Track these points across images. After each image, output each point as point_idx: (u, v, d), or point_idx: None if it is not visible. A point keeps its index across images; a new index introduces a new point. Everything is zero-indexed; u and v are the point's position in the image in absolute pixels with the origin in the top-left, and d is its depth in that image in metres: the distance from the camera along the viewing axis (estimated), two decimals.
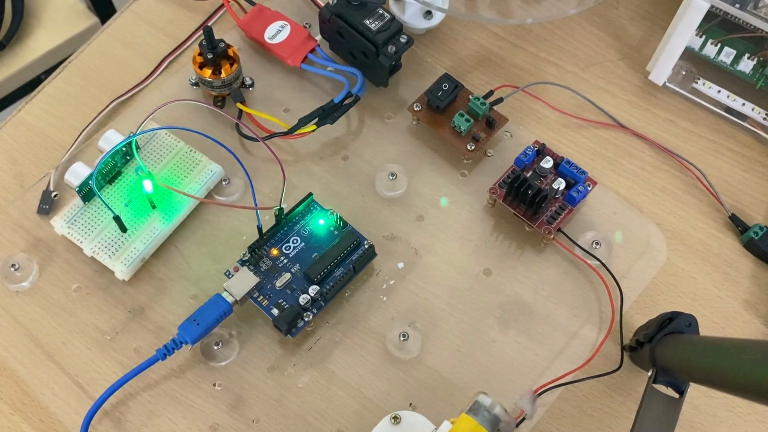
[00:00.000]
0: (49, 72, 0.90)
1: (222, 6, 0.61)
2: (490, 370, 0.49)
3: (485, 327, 0.51)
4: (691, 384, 0.43)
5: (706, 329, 0.51)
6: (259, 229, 0.49)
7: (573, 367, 0.49)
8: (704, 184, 0.56)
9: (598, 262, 0.52)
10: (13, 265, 0.51)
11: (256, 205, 0.48)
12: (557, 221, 0.52)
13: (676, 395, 0.43)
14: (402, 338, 0.49)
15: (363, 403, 0.48)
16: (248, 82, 0.58)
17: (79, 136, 0.56)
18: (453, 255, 0.53)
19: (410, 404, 0.48)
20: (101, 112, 0.57)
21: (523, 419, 0.45)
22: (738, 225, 0.54)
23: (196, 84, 0.58)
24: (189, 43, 0.60)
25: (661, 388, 0.43)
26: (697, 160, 0.56)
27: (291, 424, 0.47)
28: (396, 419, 0.46)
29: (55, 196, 0.54)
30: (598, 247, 0.53)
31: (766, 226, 0.53)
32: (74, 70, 0.60)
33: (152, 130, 0.50)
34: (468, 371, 0.49)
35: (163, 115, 0.56)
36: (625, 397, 0.49)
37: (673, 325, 0.44)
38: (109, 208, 0.49)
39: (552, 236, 0.52)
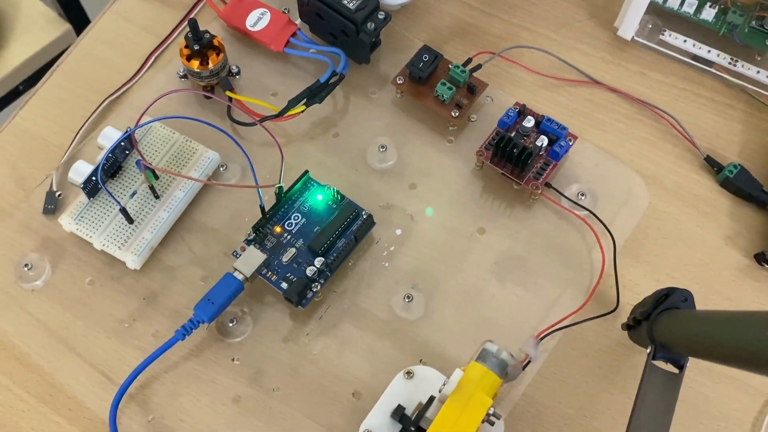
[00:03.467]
0: (27, 82, 0.91)
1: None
2: (492, 322, 0.52)
3: (483, 283, 0.53)
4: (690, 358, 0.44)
5: (691, 267, 0.54)
6: (262, 208, 0.51)
7: (570, 312, 0.52)
8: (678, 130, 0.59)
9: (586, 212, 0.55)
10: (26, 265, 0.53)
11: (257, 183, 0.50)
12: (543, 176, 0.54)
13: (676, 370, 0.43)
14: (407, 300, 0.52)
15: (375, 364, 0.51)
16: (234, 70, 0.60)
17: (75, 136, 0.57)
18: (447, 218, 0.55)
19: (420, 360, 0.51)
20: (95, 111, 0.58)
21: (528, 362, 0.47)
22: (713, 165, 0.57)
23: (184, 76, 0.59)
24: (172, 37, 0.62)
25: (660, 364, 0.43)
26: (670, 107, 0.59)
27: (309, 390, 0.50)
28: (409, 374, 0.48)
29: (59, 195, 0.55)
30: (583, 198, 0.55)
31: (739, 165, 0.56)
32: (63, 74, 0.61)
33: (151, 121, 0.52)
34: (471, 325, 0.52)
35: (156, 109, 0.58)
36: (622, 337, 0.52)
37: (669, 301, 0.44)
38: (116, 201, 0.51)
39: (540, 191, 0.54)
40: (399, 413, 0.46)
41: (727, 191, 0.57)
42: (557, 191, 0.55)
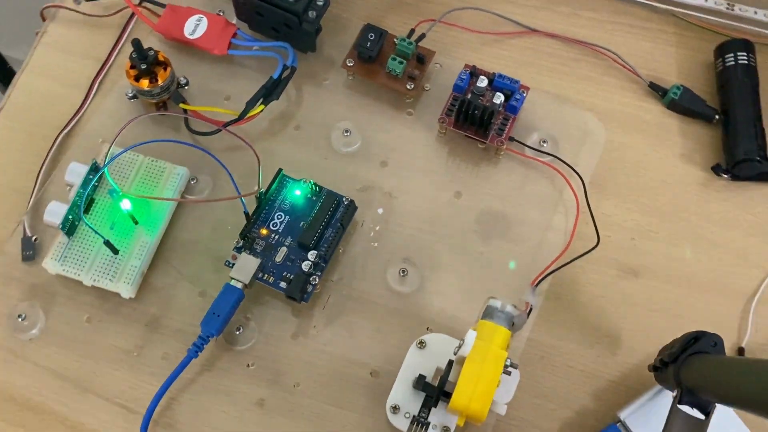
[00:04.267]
0: None
1: (132, 17, 0.62)
2: (486, 278, 0.54)
3: (469, 243, 0.55)
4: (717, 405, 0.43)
5: (655, 190, 0.57)
6: (246, 215, 0.52)
7: (556, 255, 0.54)
8: (619, 63, 0.61)
9: (550, 157, 0.57)
10: (19, 316, 0.52)
11: (239, 193, 0.51)
12: (506, 131, 0.56)
13: (702, 416, 0.42)
14: (402, 274, 0.54)
15: (386, 341, 0.52)
16: (183, 81, 0.59)
17: (37, 178, 0.56)
18: (422, 188, 0.57)
19: (427, 328, 0.53)
20: (51, 148, 0.57)
21: (531, 310, 0.50)
22: (657, 90, 0.60)
23: (134, 97, 0.59)
24: (111, 59, 0.61)
25: (686, 408, 0.43)
26: (607, 42, 0.62)
27: (328, 379, 0.51)
28: (421, 344, 0.50)
29: (35, 240, 0.55)
30: (545, 144, 0.58)
31: (681, 85, 0.59)
32: (8, 115, 0.60)
33: (122, 152, 0.51)
34: (467, 285, 0.54)
35: (112, 136, 0.57)
36: (606, 268, 0.54)
37: (698, 345, 0.44)
38: (99, 234, 0.50)
39: (505, 146, 0.56)
40: (421, 382, 0.48)
41: (675, 112, 0.60)
42: (520, 143, 0.57)
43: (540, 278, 0.52)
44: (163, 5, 0.61)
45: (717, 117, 0.58)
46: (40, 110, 0.60)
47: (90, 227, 0.51)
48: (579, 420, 0.51)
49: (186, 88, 0.59)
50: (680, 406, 0.43)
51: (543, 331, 0.53)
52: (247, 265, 0.51)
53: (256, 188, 0.52)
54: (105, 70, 0.61)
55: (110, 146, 0.50)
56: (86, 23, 0.63)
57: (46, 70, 0.61)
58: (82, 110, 0.59)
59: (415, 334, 0.52)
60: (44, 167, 0.57)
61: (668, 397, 0.49)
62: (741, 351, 0.52)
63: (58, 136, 0.58)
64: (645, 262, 0.55)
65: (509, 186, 0.57)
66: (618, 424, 0.50)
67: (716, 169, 0.57)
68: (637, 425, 0.49)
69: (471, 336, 0.45)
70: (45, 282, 0.54)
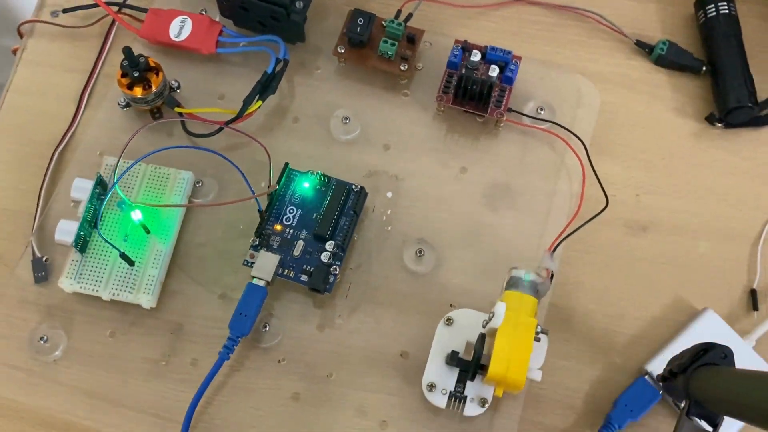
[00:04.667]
0: None
1: (112, 25, 0.61)
2: (502, 249, 0.55)
3: (479, 216, 0.56)
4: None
5: (654, 146, 0.58)
6: (260, 212, 0.52)
7: (566, 220, 0.55)
8: (604, 24, 0.62)
9: (549, 123, 0.58)
10: (41, 339, 0.52)
11: (253, 192, 0.51)
12: (504, 103, 0.57)
13: (710, 428, 0.43)
14: (418, 254, 0.54)
15: (411, 322, 0.53)
16: (174, 85, 0.59)
17: (39, 198, 0.55)
18: (427, 168, 0.57)
19: (450, 305, 0.53)
20: (48, 166, 0.56)
21: (552, 275, 0.51)
22: (644, 48, 0.61)
23: (126, 105, 0.58)
24: (98, 69, 0.60)
25: (694, 420, 0.43)
26: (590, 5, 0.62)
27: (360, 365, 0.52)
28: (449, 320, 0.51)
29: (45, 260, 0.54)
30: (542, 112, 0.58)
31: (667, 40, 0.60)
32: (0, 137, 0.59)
33: (133, 165, 0.50)
34: (483, 259, 0.55)
35: (109, 147, 0.57)
36: (615, 227, 0.55)
37: (707, 357, 0.43)
38: (115, 247, 0.50)
39: (505, 117, 0.57)
40: (455, 358, 0.49)
41: (663, 67, 0.61)
42: (518, 113, 0.58)
43: (556, 244, 0.53)
44: (143, 10, 0.60)
45: (704, 68, 0.60)
46: (32, 129, 0.59)
47: (106, 241, 0.50)
48: (606, 377, 0.52)
49: (178, 91, 0.59)
50: (688, 418, 0.43)
51: (561, 295, 0.54)
52: (267, 263, 0.51)
53: (269, 185, 0.52)
54: (92, 82, 0.60)
55: (119, 160, 0.49)
56: (66, 35, 0.61)
57: (31, 88, 0.60)
58: (75, 124, 0.58)
59: (439, 311, 0.52)
60: (44, 186, 0.56)
61: (696, 341, 0.50)
62: (753, 293, 0.54)
63: (54, 154, 0.57)
64: (651, 217, 0.56)
65: (511, 156, 0.58)
66: (646, 377, 0.51)
67: (710, 119, 0.58)
68: None
69: (501, 307, 0.46)
70: (61, 301, 0.53)
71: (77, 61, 0.61)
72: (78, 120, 0.59)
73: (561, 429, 0.51)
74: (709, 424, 0.43)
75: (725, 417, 0.42)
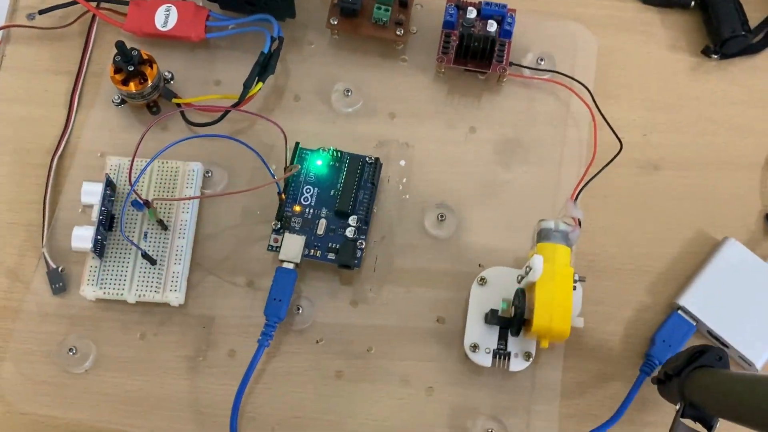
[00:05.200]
0: None
1: (93, 22, 0.59)
2: (520, 204, 0.55)
3: (494, 174, 0.56)
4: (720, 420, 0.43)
5: (655, 84, 0.58)
6: (280, 195, 0.51)
7: (579, 168, 0.55)
8: None
9: (550, 73, 0.58)
10: (69, 350, 0.50)
11: (273, 176, 0.50)
12: (505, 57, 0.56)
13: (705, 431, 0.43)
14: (440, 219, 0.54)
15: (442, 287, 0.53)
16: (168, 76, 0.57)
17: (44, 208, 0.54)
18: (436, 131, 0.57)
19: (479, 265, 0.53)
20: (49, 175, 0.55)
21: (580, 223, 0.51)
22: None
23: (121, 102, 0.56)
24: (84, 69, 0.58)
25: (688, 422, 0.43)
26: None
27: (399, 336, 0.52)
28: (482, 280, 0.51)
29: (62, 270, 0.52)
30: (543, 62, 0.58)
31: None
32: None
33: (149, 163, 0.48)
34: (504, 215, 0.55)
35: (110, 147, 0.55)
36: (627, 168, 0.56)
37: (703, 359, 0.43)
38: (138, 247, 0.49)
39: (508, 72, 0.56)
40: (495, 316, 0.49)
41: (653, 6, 0.61)
42: (519, 66, 0.58)
43: (577, 192, 0.53)
44: (123, 3, 0.58)
45: (693, 2, 0.60)
46: (25, 137, 0.57)
47: (131, 242, 0.49)
48: (639, 317, 0.53)
49: (172, 82, 0.57)
50: (683, 420, 0.43)
51: (584, 241, 0.54)
52: (293, 245, 0.50)
53: (288, 166, 0.51)
54: (81, 82, 0.58)
55: (133, 159, 0.47)
56: (46, 38, 0.59)
57: (16, 95, 0.58)
58: (69, 128, 0.56)
59: (468, 273, 0.52)
60: (48, 195, 0.54)
61: (719, 272, 0.52)
62: None
63: (52, 160, 0.55)
64: (661, 155, 0.57)
65: (517, 111, 0.57)
66: (678, 311, 0.52)
67: (706, 52, 0.59)
68: (697, 307, 0.51)
69: (538, 260, 0.46)
70: (84, 310, 0.52)
71: (61, 62, 0.59)
72: (71, 123, 0.57)
73: (603, 372, 0.52)
74: (704, 426, 0.43)
75: (720, 419, 0.42)
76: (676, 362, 0.45)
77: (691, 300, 0.51)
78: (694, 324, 0.51)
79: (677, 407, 0.43)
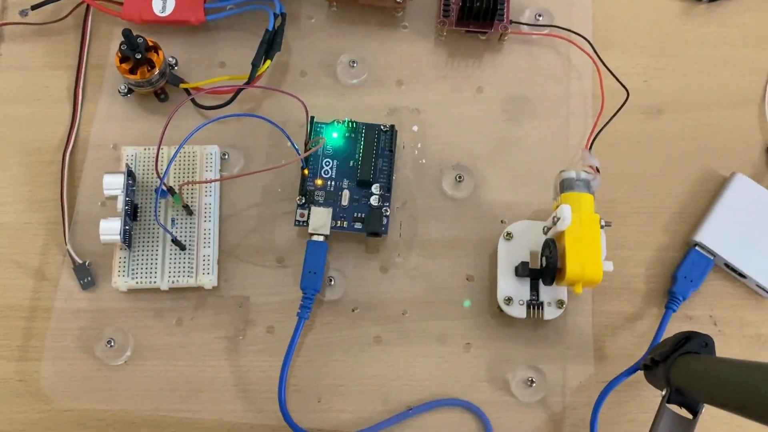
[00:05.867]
0: None
1: (88, 13, 0.58)
2: (534, 158, 0.56)
3: (504, 132, 0.57)
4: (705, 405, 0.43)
5: (650, 30, 0.60)
6: (303, 170, 0.52)
7: (588, 119, 0.57)
8: None
9: (549, 28, 0.59)
10: (107, 343, 0.50)
11: (299, 153, 0.50)
12: (505, 16, 0.57)
13: (690, 416, 0.43)
14: (458, 180, 0.55)
15: (469, 246, 0.54)
16: (172, 62, 0.57)
17: (63, 204, 0.53)
18: (443, 94, 0.58)
19: (501, 221, 0.54)
20: (63, 171, 0.54)
21: (598, 170, 0.52)
22: None
23: (128, 92, 0.56)
24: (84, 61, 0.57)
25: (674, 408, 0.44)
26: None
27: (431, 297, 0.53)
28: (508, 235, 0.52)
29: (89, 265, 0.52)
30: (541, 18, 0.59)
31: None
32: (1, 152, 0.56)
33: (178, 150, 0.48)
34: (520, 171, 0.56)
35: (122, 137, 0.55)
36: (632, 114, 0.57)
37: (689, 345, 0.44)
38: (169, 233, 0.49)
39: (509, 30, 0.57)
40: (527, 268, 0.50)
41: None
42: (519, 23, 0.58)
43: (591, 141, 0.54)
44: None
45: None
46: (32, 136, 0.56)
47: (165, 229, 0.49)
48: (659, 257, 0.55)
49: (176, 68, 0.57)
50: (669, 406, 0.43)
51: (600, 188, 0.55)
52: (321, 218, 0.51)
53: (316, 139, 0.51)
54: (82, 75, 0.57)
55: (158, 147, 0.47)
56: (40, 33, 0.58)
57: (17, 95, 0.57)
58: (76, 122, 0.56)
59: (491, 230, 0.54)
60: (65, 192, 0.54)
61: (730, 206, 0.54)
62: None
63: (65, 156, 0.55)
64: (662, 99, 0.58)
65: (521, 68, 0.58)
66: (696, 248, 0.54)
67: None
68: (713, 242, 0.53)
69: (567, 209, 0.47)
70: (116, 302, 0.52)
71: (59, 57, 0.58)
72: (78, 117, 0.56)
73: (631, 313, 0.53)
74: (690, 411, 0.43)
75: (705, 405, 0.43)
76: (662, 349, 0.45)
77: (707, 235, 0.53)
78: (712, 258, 0.53)
79: (663, 393, 0.44)
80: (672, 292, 0.53)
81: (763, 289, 0.53)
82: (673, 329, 0.52)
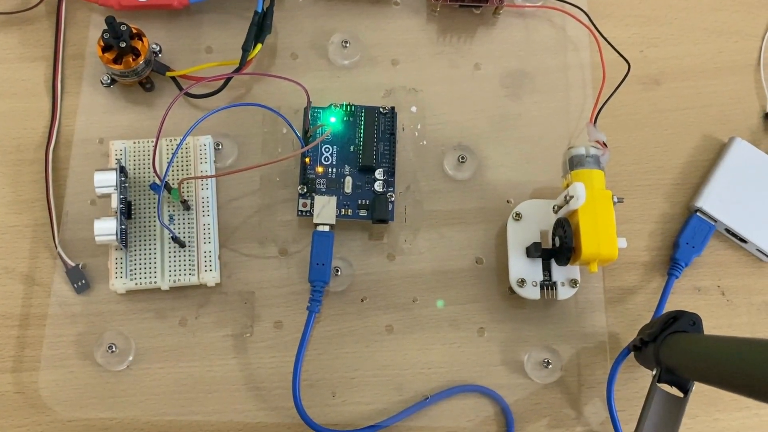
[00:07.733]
0: None
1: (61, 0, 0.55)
2: (536, 134, 0.55)
3: (505, 109, 0.55)
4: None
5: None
6: (302, 157, 0.50)
7: (588, 91, 0.56)
8: None
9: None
10: (108, 348, 0.48)
11: (303, 144, 0.48)
12: None
13: (681, 394, 0.44)
14: (461, 160, 0.53)
15: (475, 227, 0.53)
16: (156, 48, 0.54)
17: (49, 204, 0.51)
18: (440, 72, 0.56)
19: (507, 201, 0.53)
20: (47, 169, 0.51)
21: (605, 144, 0.51)
22: None
23: (111, 82, 0.53)
24: (60, 51, 0.54)
25: (665, 387, 0.44)
26: None
27: (439, 282, 0.51)
28: (517, 216, 0.51)
29: (82, 267, 0.50)
30: None
31: None
32: None
33: (182, 142, 0.46)
34: (524, 149, 0.55)
35: (108, 131, 0.53)
36: (631, 86, 0.56)
37: (677, 324, 0.44)
38: (169, 229, 0.47)
39: (505, 3, 0.56)
40: (539, 249, 0.49)
41: None
42: None
43: (596, 115, 0.53)
44: None
45: None
46: (11, 133, 0.53)
47: (166, 227, 0.47)
48: (662, 228, 0.54)
49: (161, 55, 0.54)
50: (659, 385, 0.44)
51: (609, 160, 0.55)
52: (326, 207, 0.49)
53: (318, 126, 0.49)
54: (60, 66, 0.54)
55: (156, 142, 0.45)
56: (10, 23, 0.55)
57: None
58: (57, 116, 0.53)
59: (498, 211, 0.53)
60: (51, 190, 0.51)
61: (730, 171, 0.53)
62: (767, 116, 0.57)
63: (47, 154, 0.52)
64: (660, 69, 0.57)
65: (517, 42, 0.57)
66: (697, 213, 0.53)
67: None
68: (714, 207, 0.53)
69: (580, 187, 0.46)
70: (113, 304, 0.50)
71: (33, 48, 0.55)
72: (59, 111, 0.53)
73: (639, 285, 0.53)
74: (680, 390, 0.44)
75: (695, 382, 0.43)
76: (651, 329, 0.45)
77: (708, 201, 0.53)
78: (713, 224, 0.53)
79: (654, 373, 0.44)
80: (674, 258, 0.52)
81: (763, 253, 0.53)
82: (682, 301, 0.52)
